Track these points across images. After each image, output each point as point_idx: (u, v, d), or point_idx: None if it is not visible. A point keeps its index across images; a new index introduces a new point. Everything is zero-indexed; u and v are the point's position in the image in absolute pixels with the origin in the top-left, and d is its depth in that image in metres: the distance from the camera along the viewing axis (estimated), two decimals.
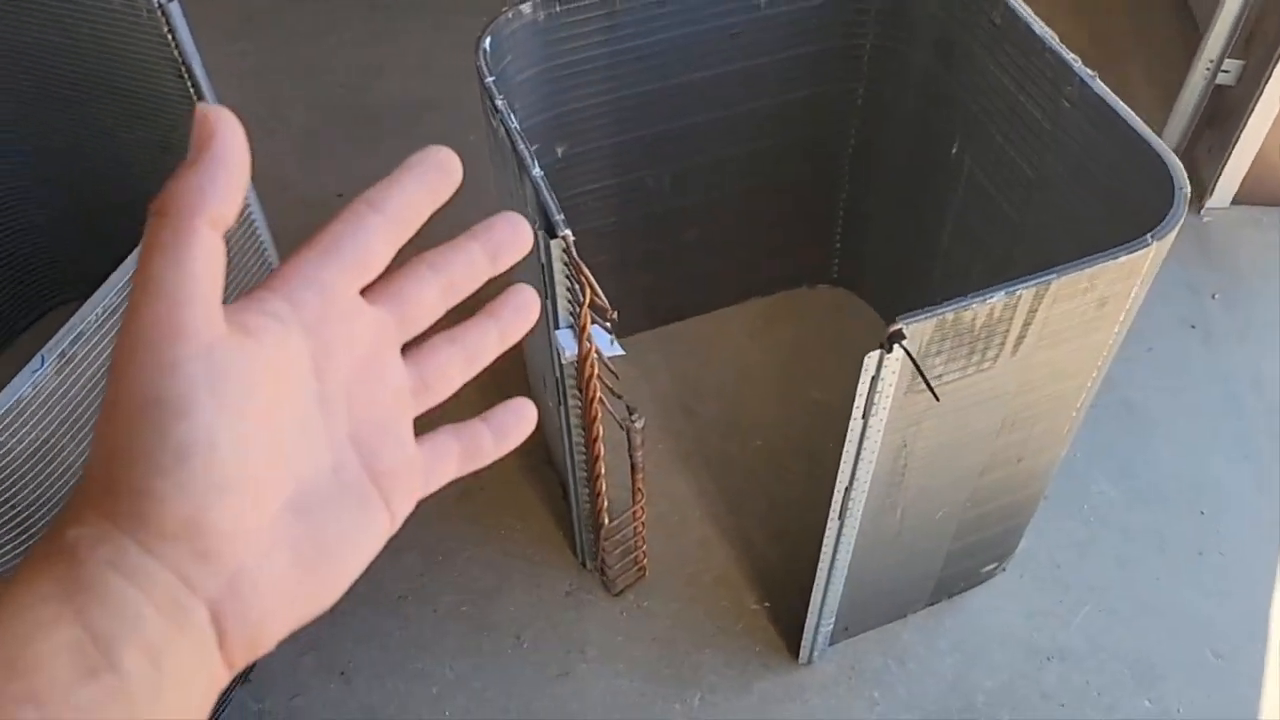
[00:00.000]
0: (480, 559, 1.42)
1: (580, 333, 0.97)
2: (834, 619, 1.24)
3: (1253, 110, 1.68)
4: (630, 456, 1.17)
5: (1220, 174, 1.78)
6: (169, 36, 1.22)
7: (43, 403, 0.86)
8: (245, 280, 1.10)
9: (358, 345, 0.29)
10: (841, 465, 0.98)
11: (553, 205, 0.96)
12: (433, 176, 0.32)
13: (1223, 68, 1.71)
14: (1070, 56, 1.08)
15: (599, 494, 1.19)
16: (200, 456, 0.25)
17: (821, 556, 1.11)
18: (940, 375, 0.93)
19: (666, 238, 1.53)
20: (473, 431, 0.35)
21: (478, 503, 1.47)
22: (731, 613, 1.36)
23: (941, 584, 1.32)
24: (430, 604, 1.37)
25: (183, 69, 1.25)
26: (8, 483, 0.85)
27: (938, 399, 0.89)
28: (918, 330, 0.87)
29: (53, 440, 0.88)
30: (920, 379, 0.88)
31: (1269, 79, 1.63)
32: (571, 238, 0.95)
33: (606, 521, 1.23)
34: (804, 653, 1.29)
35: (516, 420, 0.36)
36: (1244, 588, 1.38)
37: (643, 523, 1.27)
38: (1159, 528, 1.44)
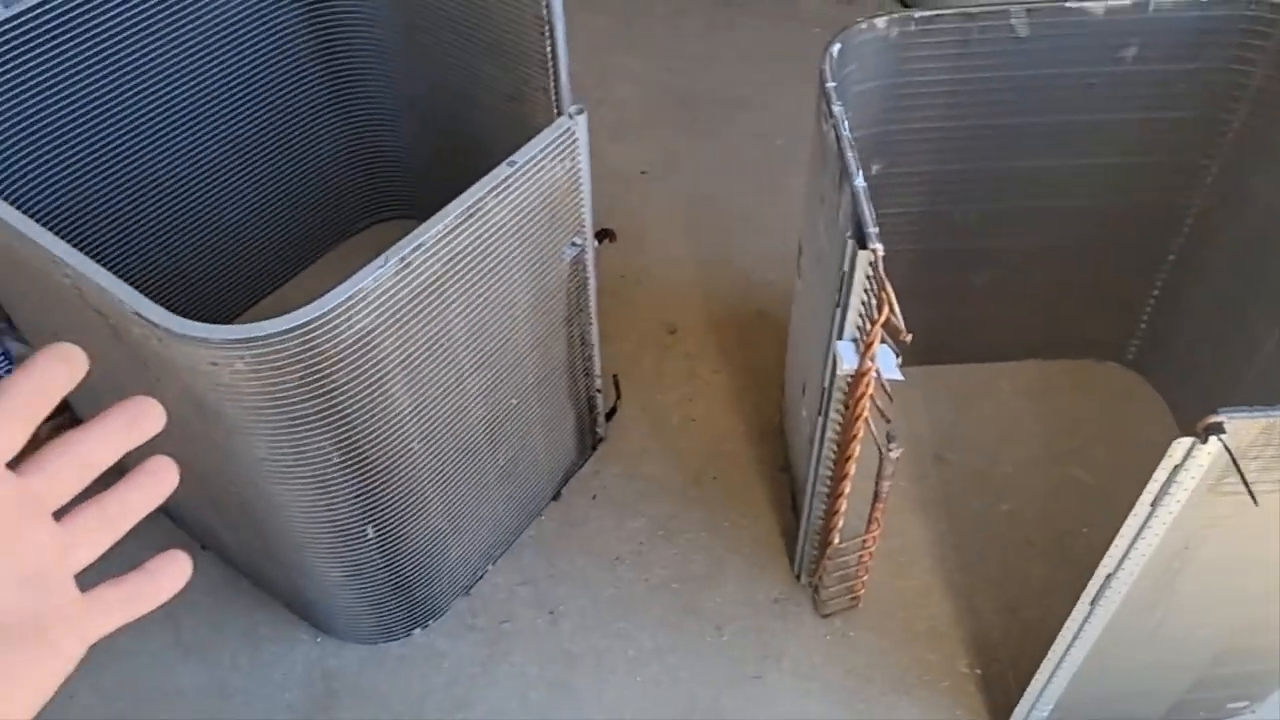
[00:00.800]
0: (699, 544, 1.44)
1: (865, 349, 0.97)
2: (1052, 706, 1.17)
3: None
4: (876, 484, 1.15)
5: None
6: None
7: (376, 297, 0.96)
8: (566, 219, 1.17)
9: (3, 509, 0.33)
10: (1111, 549, 0.92)
11: (869, 217, 0.96)
12: (56, 368, 0.36)
13: None
14: None
15: (835, 513, 1.18)
16: None
17: (1059, 638, 1.05)
18: (1253, 483, 0.85)
19: (959, 276, 1.49)
20: (133, 581, 0.37)
21: (710, 491, 1.50)
22: (939, 668, 1.31)
23: (1179, 706, 1.21)
24: (644, 573, 1.41)
25: (545, 28, 1.35)
26: (335, 364, 0.96)
27: (1256, 502, 0.81)
28: (1240, 427, 0.80)
29: (375, 331, 0.98)
30: (1238, 478, 0.81)
31: None
32: (881, 252, 0.94)
33: (836, 541, 1.22)
34: None
35: (172, 572, 0.38)
36: None
37: (870, 553, 1.25)
38: None
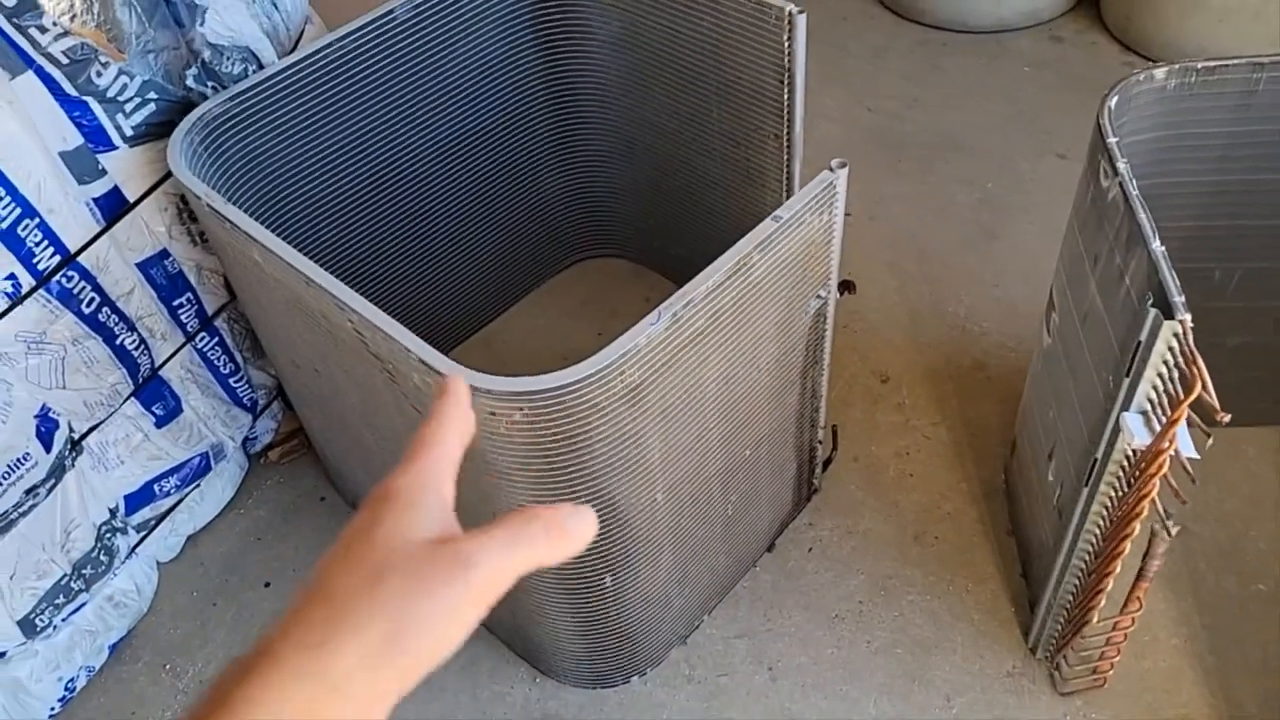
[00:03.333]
0: (923, 607, 1.39)
1: (1168, 426, 0.91)
2: None
3: None
4: (1144, 562, 1.08)
5: None
6: (786, 43, 1.31)
7: (647, 352, 0.96)
8: (816, 272, 1.15)
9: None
10: None
11: (1174, 284, 0.90)
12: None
13: None
14: None
15: (1100, 591, 1.11)
16: None
17: None
18: None
19: (1211, 337, 1.39)
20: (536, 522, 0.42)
21: (932, 551, 1.44)
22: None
23: None
24: (866, 634, 1.37)
25: (785, 75, 1.34)
26: (603, 416, 0.96)
27: None
28: None
29: (642, 385, 0.98)
30: None
31: None
32: (1190, 323, 0.88)
33: (1095, 621, 1.15)
34: None
35: (575, 525, 0.42)
36: None
37: (1126, 634, 1.17)
38: None
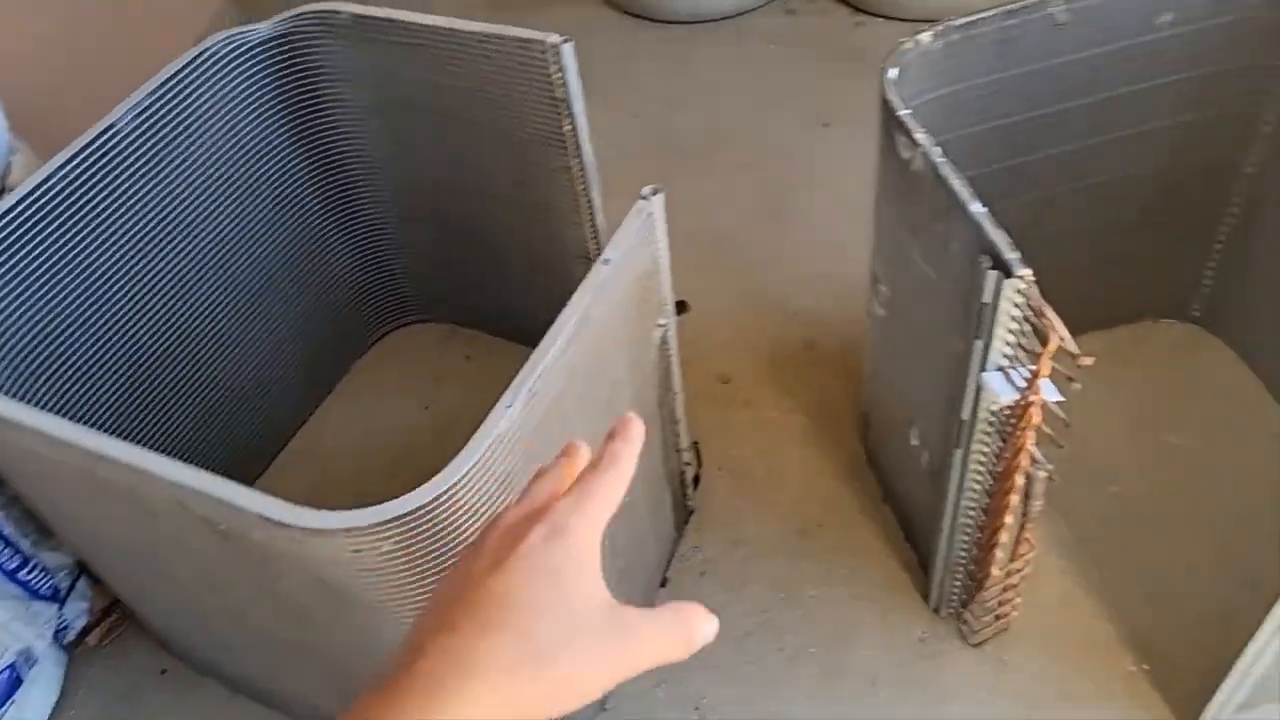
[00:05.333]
0: (825, 599, 1.38)
1: (1032, 379, 0.92)
2: (1247, 692, 1.13)
3: None
4: (1027, 505, 1.11)
5: None
6: (557, 75, 1.26)
7: (511, 437, 0.88)
8: (653, 302, 1.11)
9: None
10: None
11: (1005, 243, 0.92)
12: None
13: None
14: None
15: (994, 545, 1.13)
16: None
17: (1262, 629, 1.01)
18: None
19: (1028, 264, 1.46)
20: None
21: (818, 540, 1.44)
22: (1106, 674, 1.27)
23: None
24: (777, 643, 1.35)
25: (563, 105, 1.29)
26: (476, 515, 0.87)
27: None
28: None
29: (514, 472, 0.90)
30: None
31: None
32: (1031, 276, 0.90)
33: (995, 573, 1.17)
34: None
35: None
36: None
37: (1024, 575, 1.21)
38: None
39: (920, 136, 1.03)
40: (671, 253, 1.85)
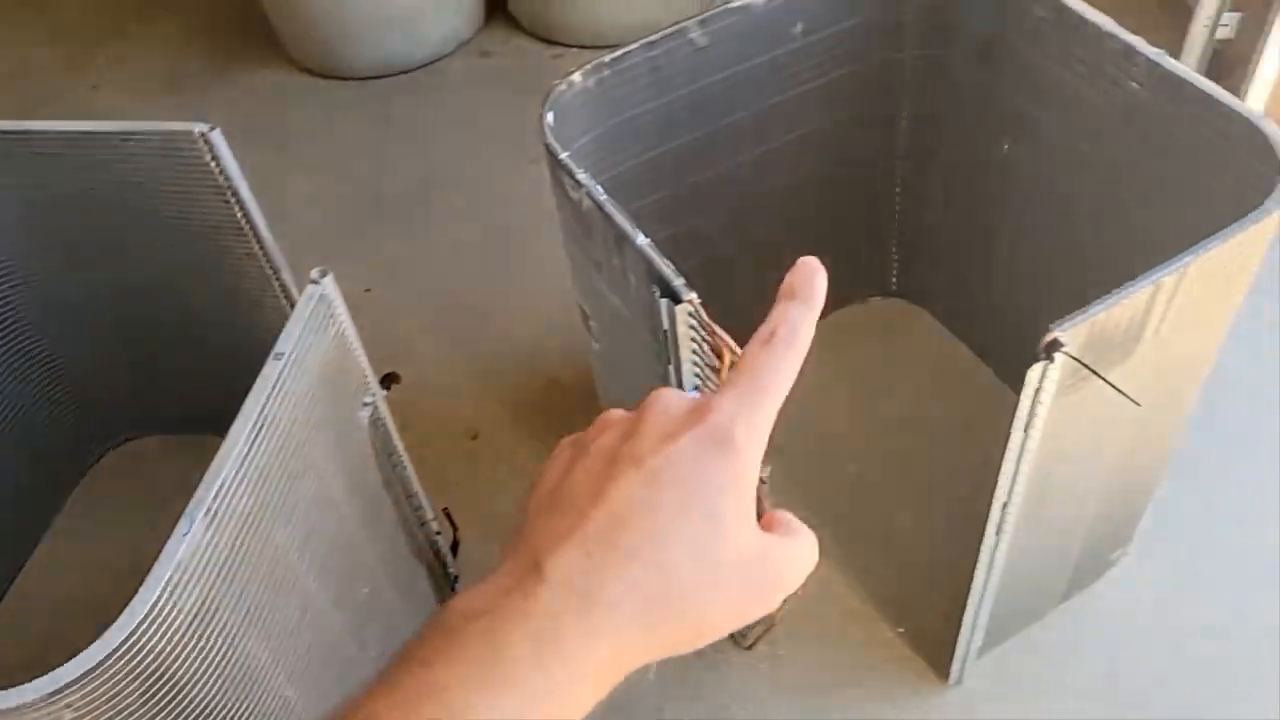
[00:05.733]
0: None
1: None
2: (984, 632, 1.22)
3: (1258, 60, 1.71)
4: (759, 505, 1.14)
5: None
6: (213, 164, 1.20)
7: (196, 565, 0.82)
8: (349, 384, 1.07)
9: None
10: (1000, 480, 0.96)
11: (669, 271, 0.94)
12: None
13: (1221, 22, 1.74)
14: (1132, 39, 1.08)
15: None
16: None
17: (976, 574, 1.09)
18: (1086, 377, 0.92)
19: (723, 277, 1.50)
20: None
21: None
22: (869, 645, 1.33)
23: (1075, 578, 1.30)
24: None
25: (228, 193, 1.22)
26: (175, 658, 0.81)
27: (1137, 403, 0.88)
28: (1072, 334, 0.86)
29: (208, 601, 0.84)
30: (1082, 378, 0.86)
31: (1270, 27, 1.66)
32: (698, 300, 0.93)
33: None
34: (954, 672, 1.27)
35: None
36: None
37: None
38: (1271, 480, 1.43)
39: (582, 177, 1.04)
40: (394, 318, 1.82)
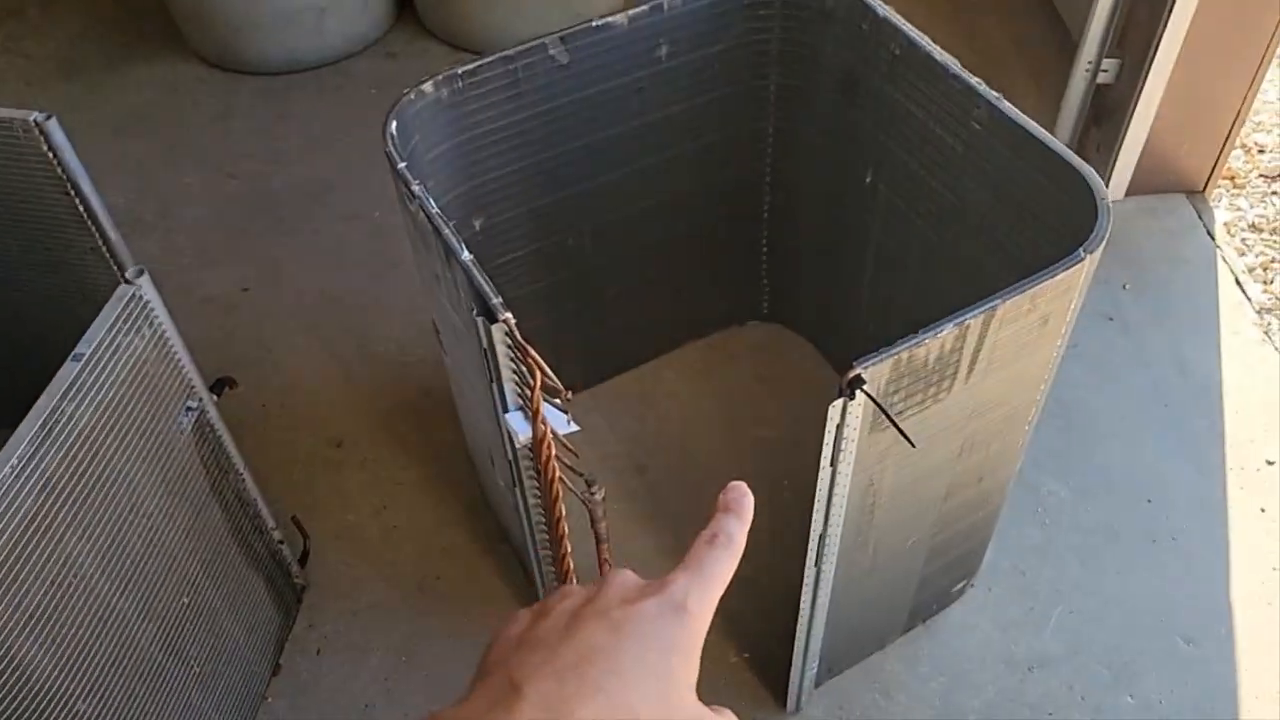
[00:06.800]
0: (449, 655, 1.36)
1: (534, 415, 0.94)
2: (818, 661, 1.22)
3: (1135, 105, 1.75)
4: (594, 529, 1.13)
5: (1112, 169, 1.85)
6: (50, 155, 1.16)
7: None
8: (170, 388, 1.04)
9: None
10: (814, 513, 0.97)
11: (488, 289, 0.93)
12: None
13: (1102, 68, 1.78)
14: (974, 80, 1.10)
15: (567, 572, 1.15)
16: None
17: (801, 604, 1.09)
18: (900, 411, 0.92)
19: (593, 295, 1.51)
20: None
21: (439, 593, 1.42)
22: (714, 669, 1.33)
23: (916, 609, 1.32)
24: (402, 711, 1.31)
25: (68, 187, 1.19)
26: None
27: (913, 445, 0.88)
28: (875, 372, 0.86)
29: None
30: (889, 423, 0.87)
31: (1147, 73, 1.70)
32: (513, 321, 0.92)
33: None
34: (791, 700, 1.27)
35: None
36: (1200, 570, 1.41)
37: None
38: (1110, 521, 1.46)
39: (416, 189, 1.03)
40: (273, 319, 1.78)
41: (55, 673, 0.91)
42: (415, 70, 2.27)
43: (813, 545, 1.01)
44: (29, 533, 0.86)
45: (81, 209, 1.21)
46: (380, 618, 1.40)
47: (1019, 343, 0.97)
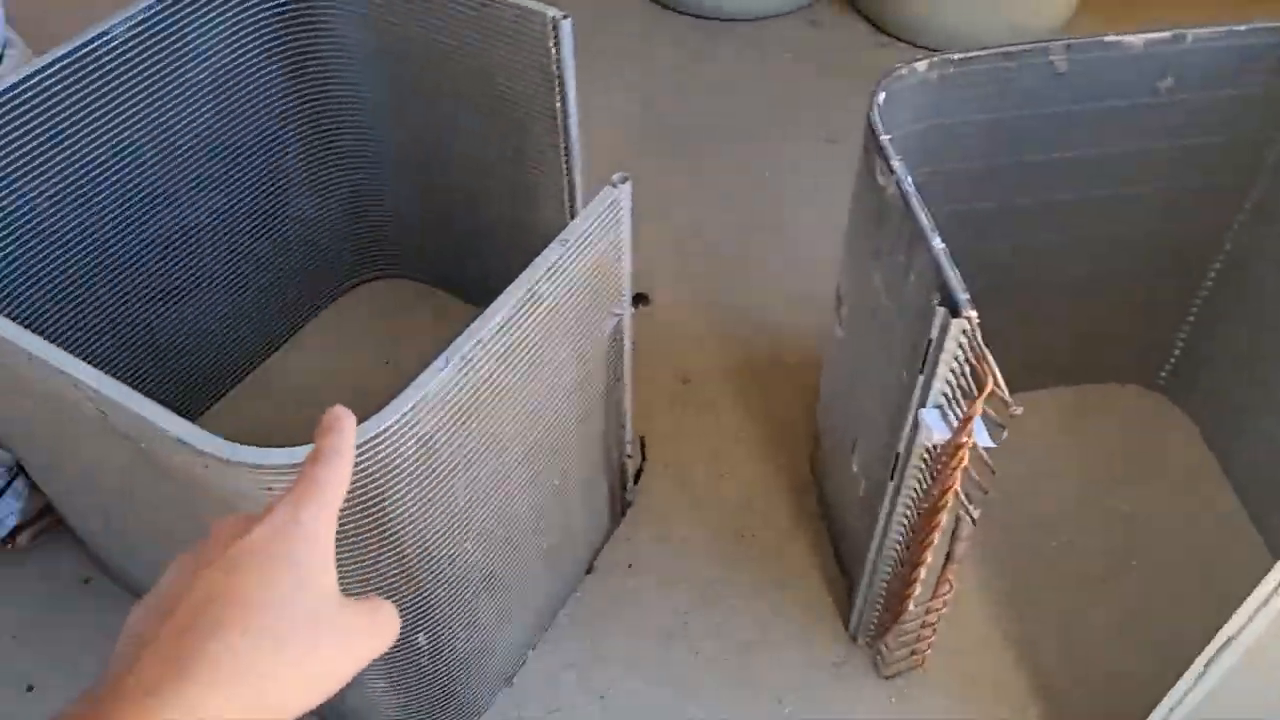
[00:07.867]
0: (747, 609, 1.38)
1: (964, 421, 0.92)
2: None
3: None
4: (951, 545, 1.10)
5: None
6: (553, 50, 1.25)
7: (438, 400, 0.88)
8: (609, 290, 1.10)
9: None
10: (1236, 615, 0.89)
11: (957, 282, 0.91)
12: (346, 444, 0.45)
13: None
14: None
15: (914, 581, 1.13)
16: None
17: (1170, 695, 1.01)
18: None
19: (989, 310, 1.45)
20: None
21: (749, 549, 1.44)
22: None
23: None
24: (693, 645, 1.35)
25: (556, 83, 1.28)
26: (396, 474, 0.87)
27: None
28: None
29: (436, 436, 0.90)
30: None
31: None
32: (976, 319, 0.89)
33: (912, 608, 1.17)
34: None
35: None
36: None
37: (939, 614, 1.21)
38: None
39: (896, 164, 1.02)
40: (651, 247, 1.85)
41: (464, 512, 1.00)
42: (835, 42, 2.27)
43: (1214, 646, 0.93)
44: (486, 385, 0.94)
45: (559, 107, 1.30)
46: (690, 552, 1.44)
47: None
